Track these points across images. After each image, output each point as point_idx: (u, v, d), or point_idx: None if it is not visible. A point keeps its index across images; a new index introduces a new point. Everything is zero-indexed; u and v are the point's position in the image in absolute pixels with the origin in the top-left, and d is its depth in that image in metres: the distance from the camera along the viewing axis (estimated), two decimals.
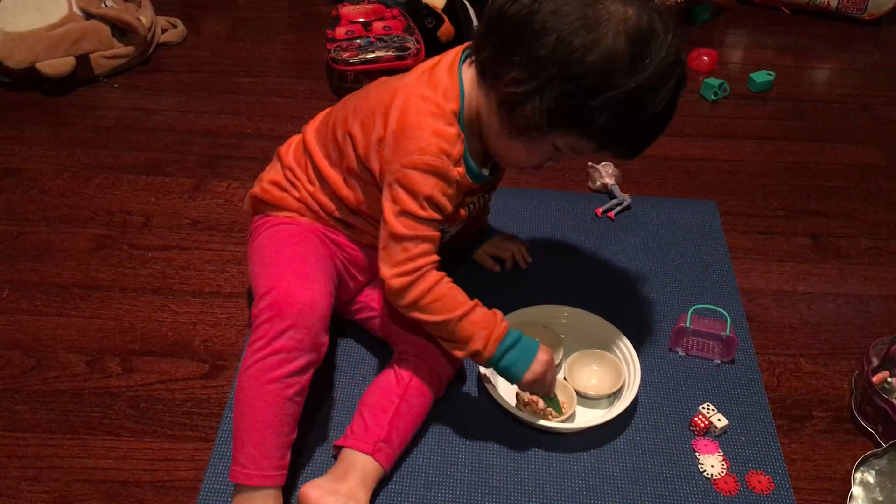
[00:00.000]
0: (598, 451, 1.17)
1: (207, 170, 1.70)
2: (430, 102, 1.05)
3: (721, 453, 1.17)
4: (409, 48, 1.92)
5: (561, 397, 1.20)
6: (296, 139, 1.26)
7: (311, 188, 1.20)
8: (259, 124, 1.85)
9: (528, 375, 1.11)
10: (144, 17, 2.02)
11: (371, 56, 1.90)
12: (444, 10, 2.06)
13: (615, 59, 0.94)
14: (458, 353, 1.11)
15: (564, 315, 1.32)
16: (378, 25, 2.00)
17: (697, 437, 1.19)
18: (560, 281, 1.44)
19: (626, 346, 1.26)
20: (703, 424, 1.19)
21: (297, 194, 1.21)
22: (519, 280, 1.43)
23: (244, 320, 1.36)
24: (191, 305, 1.39)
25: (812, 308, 1.43)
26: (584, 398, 1.23)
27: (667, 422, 1.21)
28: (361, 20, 2.02)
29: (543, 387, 1.14)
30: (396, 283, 1.06)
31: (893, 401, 1.18)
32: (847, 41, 2.26)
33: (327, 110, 1.25)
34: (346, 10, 2.06)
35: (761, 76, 2.01)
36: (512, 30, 0.98)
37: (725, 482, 1.14)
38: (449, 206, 1.07)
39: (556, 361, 1.27)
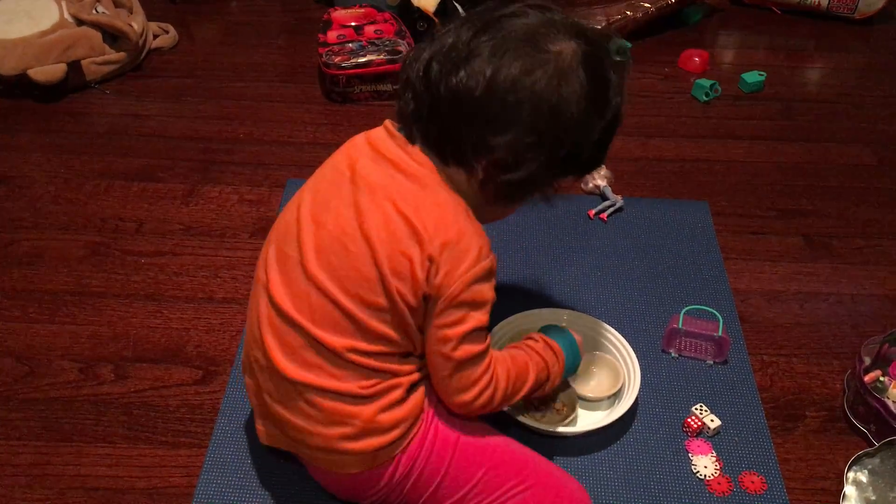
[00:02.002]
0: (591, 453, 1.17)
1: (200, 175, 1.70)
2: (446, 206, 0.94)
3: (714, 454, 1.17)
4: (400, 52, 1.92)
5: (563, 399, 1.21)
6: (320, 380, 0.97)
7: (396, 380, 0.98)
8: (251, 129, 1.85)
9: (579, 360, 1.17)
10: (136, 22, 2.02)
11: (363, 60, 1.90)
12: (436, 13, 2.06)
13: (591, 96, 0.93)
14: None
15: (564, 319, 1.32)
16: (370, 29, 2.01)
17: (690, 438, 1.20)
18: (552, 283, 1.44)
19: (624, 348, 1.26)
20: (696, 425, 1.20)
21: (396, 395, 0.98)
22: (511, 281, 1.43)
23: (237, 326, 1.36)
24: (184, 311, 1.39)
25: (804, 308, 1.43)
26: (584, 400, 1.23)
27: (660, 423, 1.22)
28: (353, 24, 2.02)
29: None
30: (480, 402, 0.98)
31: (885, 400, 1.19)
32: (838, 41, 2.26)
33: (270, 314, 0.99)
34: (338, 14, 2.06)
35: (752, 76, 2.01)
36: (483, 108, 0.90)
37: (719, 483, 1.14)
38: None
39: None
